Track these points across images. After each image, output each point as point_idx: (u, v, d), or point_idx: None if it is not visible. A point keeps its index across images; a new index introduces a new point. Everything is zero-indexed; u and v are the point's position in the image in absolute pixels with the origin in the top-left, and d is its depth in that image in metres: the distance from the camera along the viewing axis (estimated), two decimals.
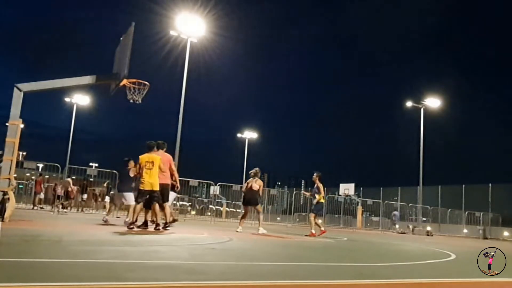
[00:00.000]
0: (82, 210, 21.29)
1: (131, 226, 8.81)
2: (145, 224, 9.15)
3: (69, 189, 20.28)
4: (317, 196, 11.50)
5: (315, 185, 11.58)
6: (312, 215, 11.71)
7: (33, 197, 21.60)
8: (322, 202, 12.17)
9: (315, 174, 11.65)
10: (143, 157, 8.97)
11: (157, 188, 8.90)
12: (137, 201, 9.06)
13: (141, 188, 8.88)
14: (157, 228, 8.93)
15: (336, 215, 32.65)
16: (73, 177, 23.27)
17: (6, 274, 2.87)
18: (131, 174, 10.14)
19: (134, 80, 9.62)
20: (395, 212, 28.92)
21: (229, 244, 7.07)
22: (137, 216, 9.10)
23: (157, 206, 8.95)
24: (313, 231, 11.34)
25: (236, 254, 5.72)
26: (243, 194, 11.23)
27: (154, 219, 9.21)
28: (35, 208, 20.29)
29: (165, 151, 9.65)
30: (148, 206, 9.11)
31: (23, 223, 8.80)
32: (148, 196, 8.88)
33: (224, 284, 3.12)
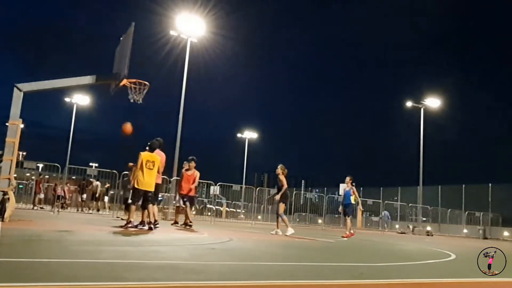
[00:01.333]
0: (82, 210, 21.32)
1: (129, 226, 8.76)
2: (141, 223, 9.14)
3: (98, 191, 21.59)
4: (352, 198, 12.22)
5: (349, 189, 12.25)
6: (348, 218, 12.56)
7: (33, 197, 21.62)
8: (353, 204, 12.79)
9: (349, 177, 12.26)
10: (145, 156, 8.75)
11: (153, 188, 8.86)
12: (132, 201, 8.88)
13: (138, 187, 8.67)
14: (151, 227, 8.88)
15: (336, 215, 32.60)
16: (73, 177, 23.30)
17: (6, 274, 2.87)
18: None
19: (134, 80, 9.62)
20: (385, 212, 29.09)
21: (229, 244, 7.07)
22: (133, 216, 9.00)
23: (152, 206, 8.93)
24: (352, 231, 12.25)
25: (236, 254, 5.72)
26: (287, 192, 11.42)
27: (149, 219, 9.05)
28: (35, 208, 20.32)
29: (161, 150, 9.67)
30: (143, 207, 9.07)
31: (23, 223, 8.80)
32: (143, 196, 8.80)
33: (224, 284, 3.12)
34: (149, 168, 8.73)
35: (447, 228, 30.40)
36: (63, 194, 20.85)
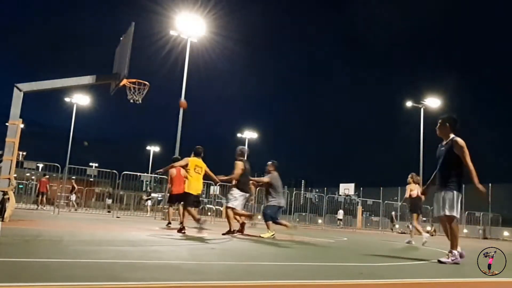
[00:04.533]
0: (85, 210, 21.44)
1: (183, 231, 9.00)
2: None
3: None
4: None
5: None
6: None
7: (40, 197, 21.65)
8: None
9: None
10: (193, 161, 9.02)
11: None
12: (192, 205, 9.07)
13: (190, 192, 8.95)
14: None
15: (336, 215, 32.65)
16: (73, 177, 23.34)
17: (6, 274, 2.87)
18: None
19: (134, 80, 9.62)
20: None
21: (229, 244, 7.07)
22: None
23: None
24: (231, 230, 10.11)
25: (236, 254, 5.72)
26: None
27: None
28: (39, 208, 20.42)
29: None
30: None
31: (23, 223, 8.80)
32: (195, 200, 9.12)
33: (224, 284, 3.12)
34: (198, 173, 8.99)
35: None
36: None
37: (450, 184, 5.90)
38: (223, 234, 8.95)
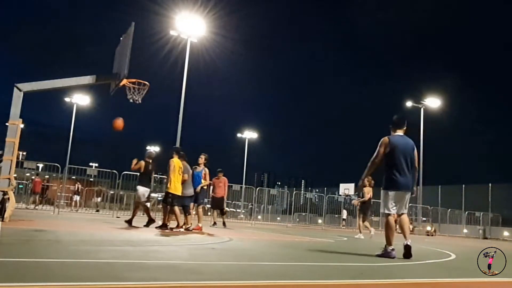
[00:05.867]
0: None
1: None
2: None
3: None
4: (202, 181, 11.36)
5: (201, 169, 11.39)
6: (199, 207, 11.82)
7: (37, 197, 21.64)
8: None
9: (204, 156, 11.46)
10: (178, 163, 9.56)
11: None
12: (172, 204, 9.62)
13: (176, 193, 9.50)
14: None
15: (336, 215, 32.65)
16: (73, 177, 23.35)
17: (6, 274, 2.87)
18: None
19: (134, 80, 9.62)
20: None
21: (229, 244, 7.07)
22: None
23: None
24: (200, 225, 11.27)
25: (236, 254, 5.72)
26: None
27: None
28: (37, 208, 20.40)
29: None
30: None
31: (23, 223, 8.80)
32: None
33: (224, 284, 3.12)
34: (179, 175, 9.60)
35: (447, 228, 30.40)
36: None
37: (383, 182, 6.40)
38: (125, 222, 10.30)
